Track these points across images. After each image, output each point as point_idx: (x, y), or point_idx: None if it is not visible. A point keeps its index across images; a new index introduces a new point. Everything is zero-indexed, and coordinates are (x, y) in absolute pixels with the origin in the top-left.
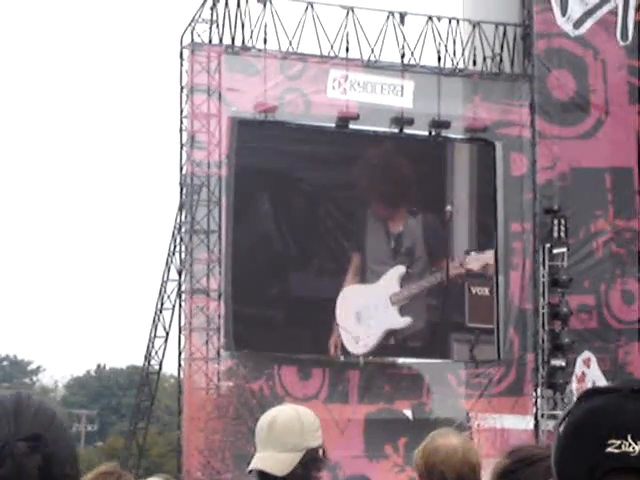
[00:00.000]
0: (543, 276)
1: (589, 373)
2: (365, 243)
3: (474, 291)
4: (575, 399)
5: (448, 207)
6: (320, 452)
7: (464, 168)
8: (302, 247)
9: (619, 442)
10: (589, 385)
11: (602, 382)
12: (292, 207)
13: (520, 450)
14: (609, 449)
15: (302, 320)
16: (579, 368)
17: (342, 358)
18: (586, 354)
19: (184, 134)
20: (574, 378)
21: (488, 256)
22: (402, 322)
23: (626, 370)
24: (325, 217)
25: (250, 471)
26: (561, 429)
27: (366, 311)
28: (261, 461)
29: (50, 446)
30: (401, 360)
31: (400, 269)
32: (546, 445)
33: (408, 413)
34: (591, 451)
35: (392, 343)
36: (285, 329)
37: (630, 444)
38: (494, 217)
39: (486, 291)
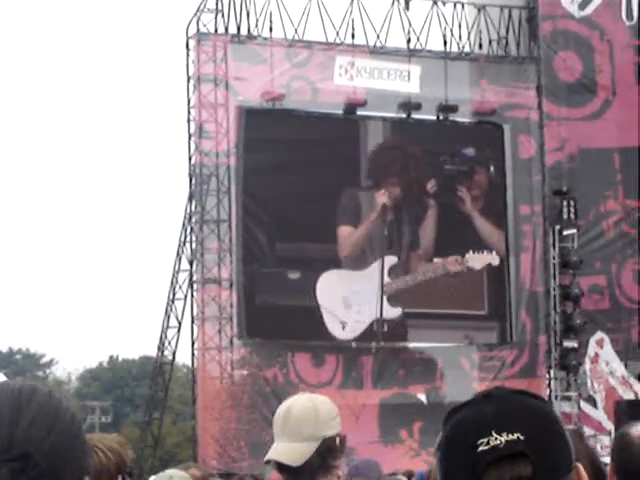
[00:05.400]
0: (554, 258)
1: (602, 354)
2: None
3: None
4: (444, 419)
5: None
6: (337, 441)
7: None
8: None
9: (486, 439)
10: (603, 366)
11: (616, 362)
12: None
13: None
14: (480, 448)
15: (314, 307)
16: (592, 349)
17: (354, 345)
18: (599, 335)
19: (192, 124)
20: (587, 359)
21: (490, 256)
22: (393, 312)
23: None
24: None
25: (268, 461)
26: (438, 453)
27: (354, 297)
28: (276, 451)
29: (47, 459)
30: (413, 344)
31: (392, 259)
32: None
33: (422, 397)
34: (467, 458)
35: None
36: (297, 316)
37: (496, 437)
38: (504, 200)
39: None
